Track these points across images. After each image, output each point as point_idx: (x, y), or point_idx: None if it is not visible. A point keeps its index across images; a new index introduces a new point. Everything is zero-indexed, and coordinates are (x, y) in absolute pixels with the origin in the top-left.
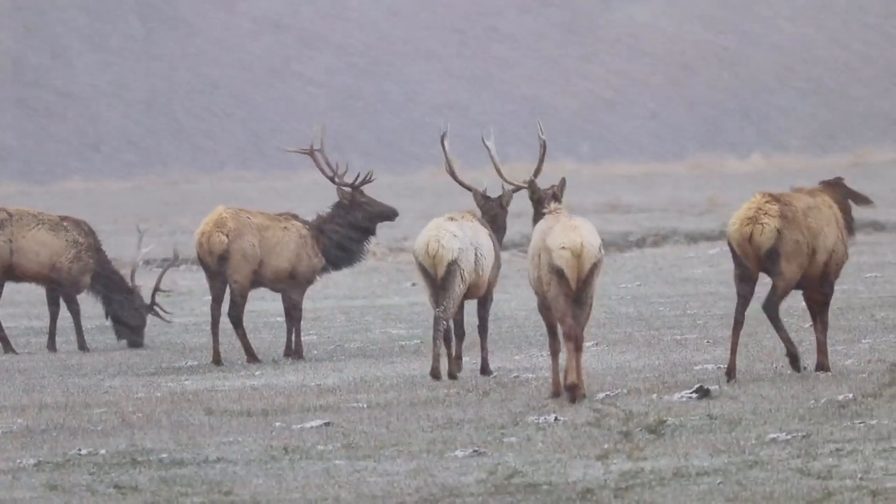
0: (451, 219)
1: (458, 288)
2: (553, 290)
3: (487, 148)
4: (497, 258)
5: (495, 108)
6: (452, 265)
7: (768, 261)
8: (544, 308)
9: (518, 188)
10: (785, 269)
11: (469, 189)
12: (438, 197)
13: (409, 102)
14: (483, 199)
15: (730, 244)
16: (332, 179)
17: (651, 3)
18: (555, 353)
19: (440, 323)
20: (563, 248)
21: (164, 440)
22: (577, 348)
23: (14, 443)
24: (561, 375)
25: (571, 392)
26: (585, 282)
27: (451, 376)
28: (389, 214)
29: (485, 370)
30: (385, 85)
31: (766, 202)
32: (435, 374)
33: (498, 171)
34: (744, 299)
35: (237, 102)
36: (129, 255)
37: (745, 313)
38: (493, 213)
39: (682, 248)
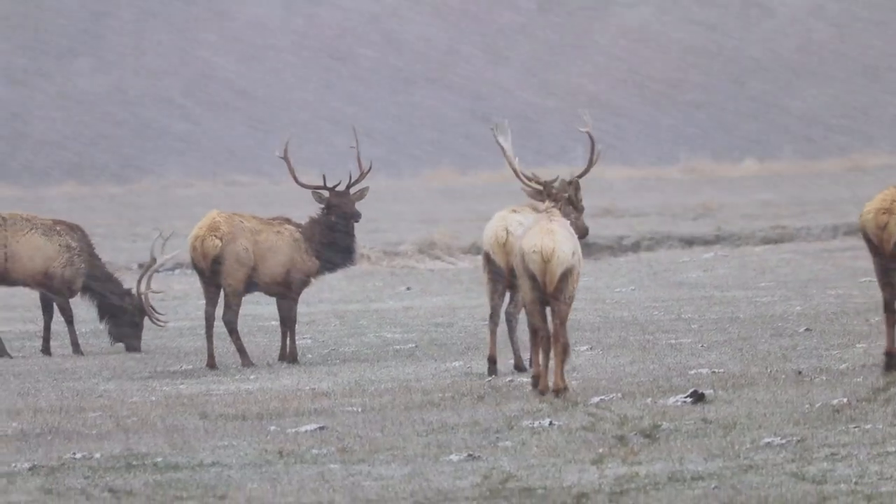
0: (514, 211)
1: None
2: (527, 293)
3: (500, 145)
4: None
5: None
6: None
7: None
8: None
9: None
10: None
11: (531, 182)
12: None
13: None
14: (540, 193)
15: (865, 234)
16: (297, 182)
17: (646, 5)
18: (534, 347)
19: (513, 319)
20: (535, 251)
21: (159, 444)
22: (556, 340)
23: (9, 447)
24: (551, 377)
25: (547, 392)
26: (558, 287)
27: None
28: (351, 216)
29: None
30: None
31: None
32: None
33: (514, 169)
34: (891, 288)
35: (235, 103)
36: (123, 259)
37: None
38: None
39: (676, 253)
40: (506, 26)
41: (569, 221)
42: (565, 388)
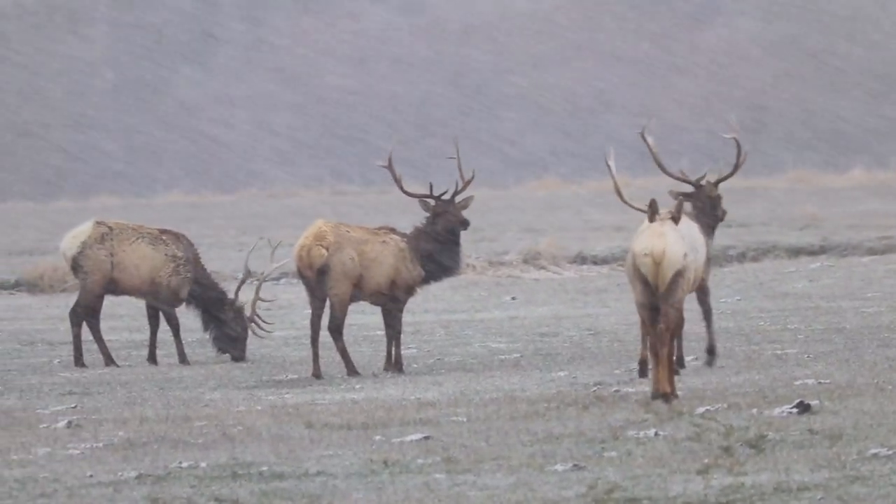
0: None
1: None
2: (638, 296)
3: (609, 166)
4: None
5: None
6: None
7: None
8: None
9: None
10: None
11: (688, 182)
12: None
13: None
14: (687, 195)
15: None
16: (403, 191)
17: (750, 13)
18: (653, 353)
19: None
20: (646, 254)
21: (265, 453)
22: (664, 345)
23: (115, 455)
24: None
25: (659, 395)
26: (669, 289)
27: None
28: (459, 225)
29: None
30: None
31: None
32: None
33: (618, 191)
34: None
35: (336, 115)
36: (230, 269)
37: None
38: (700, 206)
39: (782, 263)
40: (613, 33)
41: (697, 226)
42: (672, 394)
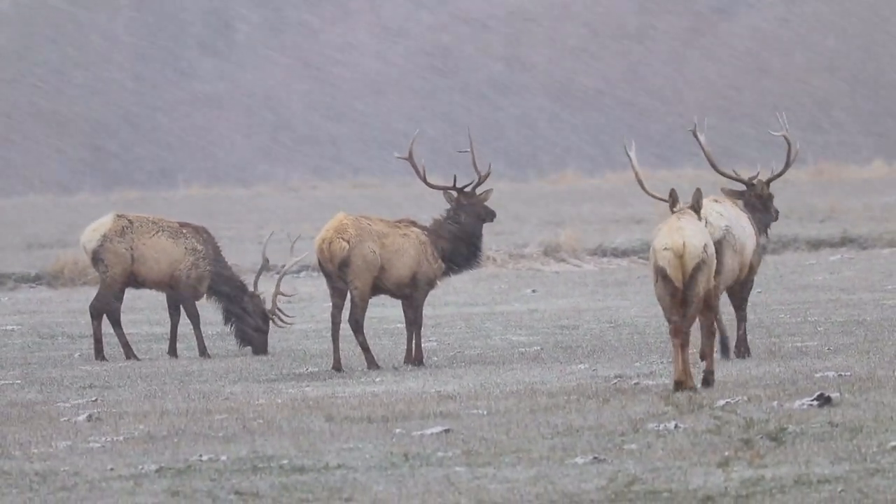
0: (715, 201)
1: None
2: (659, 290)
3: (629, 157)
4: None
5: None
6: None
7: None
8: None
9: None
10: None
11: (740, 181)
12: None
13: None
14: (739, 193)
15: None
16: (425, 182)
17: (773, 9)
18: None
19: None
20: (666, 248)
21: (285, 446)
22: (683, 345)
23: (136, 449)
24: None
25: (679, 387)
26: (690, 281)
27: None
28: (486, 216)
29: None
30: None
31: None
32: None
33: (639, 181)
34: None
35: (358, 108)
36: (249, 262)
37: None
38: (752, 204)
39: (803, 255)
40: (634, 24)
41: (747, 215)
42: (691, 386)
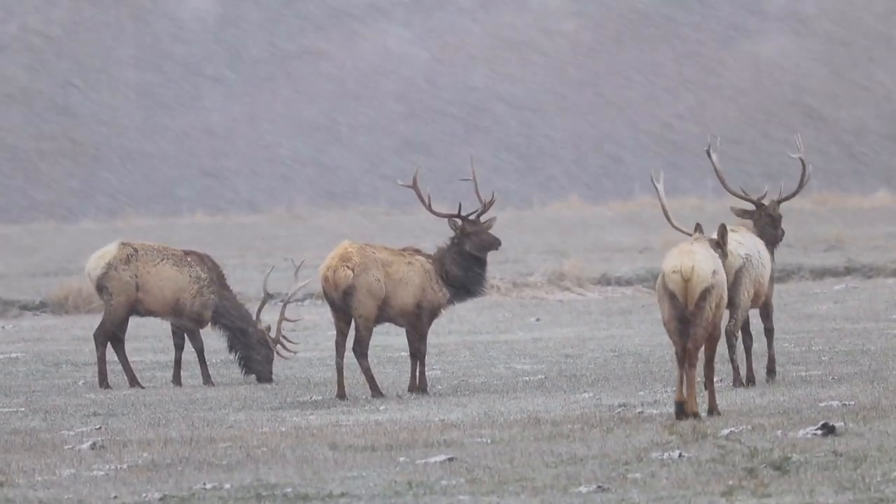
0: (732, 230)
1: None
2: (666, 313)
3: (656, 188)
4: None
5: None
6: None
7: None
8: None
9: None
10: None
11: (750, 200)
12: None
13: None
14: (749, 213)
15: None
16: (430, 210)
17: (775, 39)
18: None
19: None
20: (675, 271)
21: (289, 475)
22: (691, 365)
23: (140, 477)
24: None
25: (680, 409)
26: (697, 306)
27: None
28: (491, 244)
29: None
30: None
31: None
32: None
33: (665, 213)
34: None
35: (360, 135)
36: (254, 290)
37: None
38: (762, 224)
39: (807, 284)
40: (640, 53)
41: (762, 241)
42: (693, 410)
